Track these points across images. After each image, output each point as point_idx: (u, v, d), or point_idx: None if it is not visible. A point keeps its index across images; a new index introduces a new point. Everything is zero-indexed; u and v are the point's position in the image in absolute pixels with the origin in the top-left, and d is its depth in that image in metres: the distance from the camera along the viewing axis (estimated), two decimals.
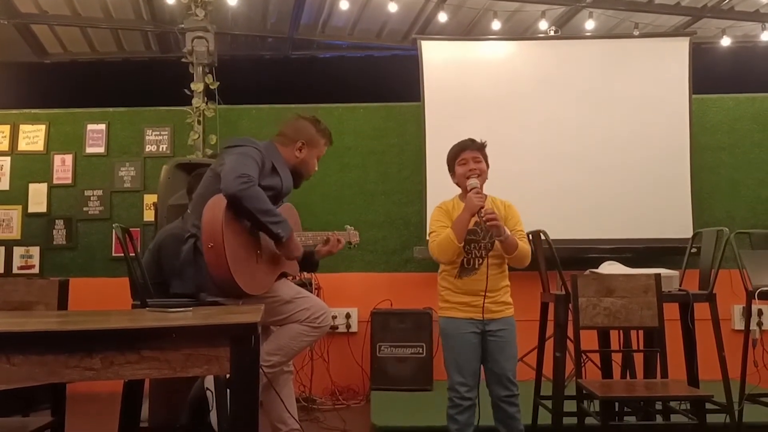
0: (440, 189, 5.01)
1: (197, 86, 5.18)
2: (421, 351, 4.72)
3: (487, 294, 2.87)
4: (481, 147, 3.00)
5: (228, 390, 2.19)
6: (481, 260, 2.91)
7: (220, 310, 2.29)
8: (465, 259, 2.92)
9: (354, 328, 5.15)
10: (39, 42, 6.17)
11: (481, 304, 2.87)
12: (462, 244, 2.86)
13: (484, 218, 2.78)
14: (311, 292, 3.45)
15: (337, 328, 5.07)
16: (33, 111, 5.50)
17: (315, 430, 4.00)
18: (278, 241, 2.67)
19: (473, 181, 2.88)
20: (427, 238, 2.99)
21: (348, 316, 5.15)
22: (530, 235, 3.31)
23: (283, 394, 2.73)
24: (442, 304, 2.99)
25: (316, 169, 3.03)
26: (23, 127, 5.43)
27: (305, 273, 4.51)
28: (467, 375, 2.89)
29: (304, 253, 2.95)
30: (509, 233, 2.87)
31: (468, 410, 2.89)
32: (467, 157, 2.97)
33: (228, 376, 1.67)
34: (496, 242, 2.90)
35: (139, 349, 1.59)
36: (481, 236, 2.93)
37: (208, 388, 2.56)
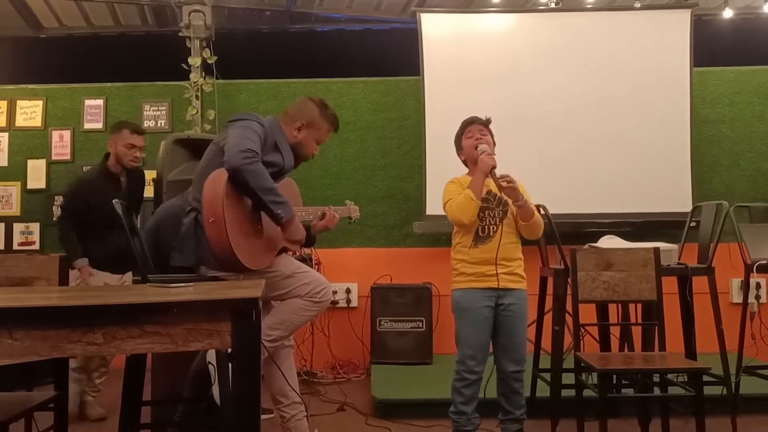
0: (440, 164, 5.03)
1: (195, 60, 5.14)
2: (420, 325, 4.75)
3: (500, 263, 2.91)
4: (486, 123, 3.07)
5: (230, 364, 2.21)
6: (495, 227, 2.95)
7: (221, 285, 2.29)
8: (480, 227, 2.95)
9: (354, 303, 5.17)
10: (34, 16, 6.10)
11: (495, 273, 2.91)
12: (480, 204, 2.90)
13: (501, 182, 2.85)
14: (311, 267, 3.46)
15: (338, 303, 5.10)
16: (30, 86, 5.46)
17: (316, 403, 4.05)
18: (278, 222, 2.67)
19: (484, 146, 2.95)
20: (443, 209, 3.03)
21: (348, 291, 5.18)
22: None
23: (284, 367, 2.75)
24: (457, 277, 3.01)
25: (315, 153, 2.96)
26: (20, 103, 5.40)
27: (304, 248, 4.53)
28: (477, 349, 2.92)
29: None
30: (526, 199, 2.92)
31: (474, 384, 2.93)
32: (473, 129, 3.03)
33: (229, 350, 1.69)
34: (509, 212, 2.95)
35: (141, 323, 1.60)
36: (495, 204, 2.97)
37: (210, 362, 2.58)
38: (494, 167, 2.87)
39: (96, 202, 3.63)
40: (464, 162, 3.10)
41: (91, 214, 3.67)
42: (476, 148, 2.96)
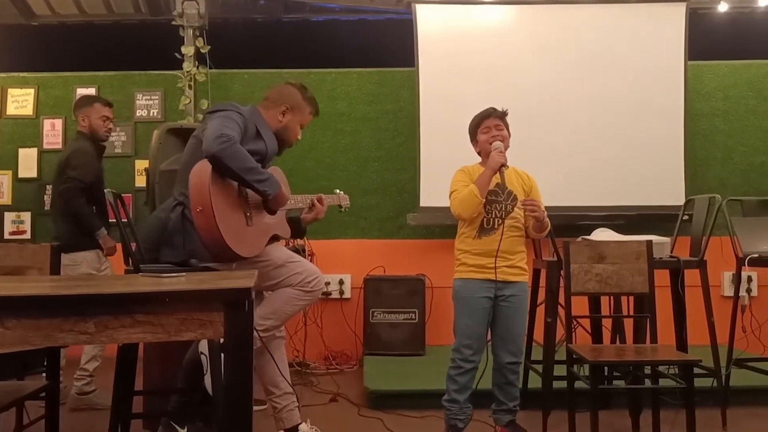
0: (434, 156, 5.03)
1: (188, 50, 5.11)
2: (413, 317, 4.76)
3: (501, 255, 2.92)
4: (502, 115, 3.06)
5: (222, 354, 2.20)
6: (500, 220, 2.96)
7: (213, 275, 2.29)
8: (485, 219, 2.96)
9: (347, 294, 5.17)
10: (26, 3, 6.03)
11: (494, 266, 2.93)
12: (484, 200, 2.91)
13: (526, 213, 2.93)
14: (304, 258, 3.46)
15: (331, 294, 5.10)
16: (21, 74, 5.42)
17: (309, 393, 4.05)
18: (266, 198, 2.69)
19: (498, 143, 2.96)
20: (449, 198, 3.04)
21: (341, 282, 5.18)
22: None
23: (275, 358, 2.75)
24: (459, 267, 3.04)
25: (299, 137, 2.99)
26: (12, 91, 5.36)
27: (297, 239, 4.53)
28: (474, 338, 2.94)
29: (291, 219, 2.95)
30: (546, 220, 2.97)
31: (469, 373, 2.95)
32: (490, 124, 3.02)
33: (222, 340, 1.68)
34: (516, 207, 2.97)
35: (133, 313, 1.60)
36: (503, 197, 2.98)
37: (202, 352, 2.57)
38: (504, 165, 2.89)
39: (96, 178, 3.65)
40: (478, 153, 3.10)
41: (94, 190, 3.68)
42: (490, 144, 2.97)
